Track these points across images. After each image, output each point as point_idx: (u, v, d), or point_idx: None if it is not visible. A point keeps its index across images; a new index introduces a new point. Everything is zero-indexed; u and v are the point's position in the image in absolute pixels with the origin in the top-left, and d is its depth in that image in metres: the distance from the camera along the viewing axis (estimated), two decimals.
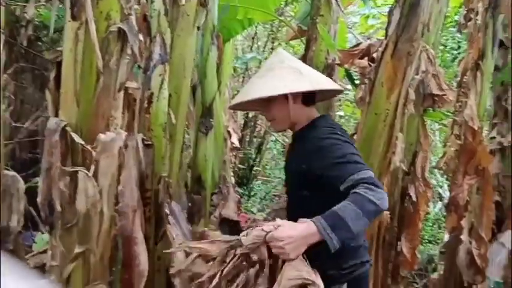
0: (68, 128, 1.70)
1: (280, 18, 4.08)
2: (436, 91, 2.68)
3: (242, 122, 7.50)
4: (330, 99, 3.04)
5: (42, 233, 4.20)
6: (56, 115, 1.79)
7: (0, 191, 2.01)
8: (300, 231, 1.59)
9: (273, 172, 7.90)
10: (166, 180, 2.30)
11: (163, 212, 2.32)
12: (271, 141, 7.99)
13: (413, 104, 2.62)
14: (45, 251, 4.10)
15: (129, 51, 1.76)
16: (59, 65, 1.75)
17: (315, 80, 1.91)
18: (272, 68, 1.92)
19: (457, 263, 2.92)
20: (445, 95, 2.68)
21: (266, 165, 8.41)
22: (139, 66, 1.94)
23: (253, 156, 7.56)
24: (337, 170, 1.68)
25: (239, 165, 7.04)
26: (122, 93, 1.81)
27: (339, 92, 2.21)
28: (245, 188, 7.09)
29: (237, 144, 4.68)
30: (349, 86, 6.27)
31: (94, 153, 1.68)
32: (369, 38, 3.98)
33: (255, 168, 7.57)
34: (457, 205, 2.89)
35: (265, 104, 1.92)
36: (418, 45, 2.48)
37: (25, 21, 2.98)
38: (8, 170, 2.20)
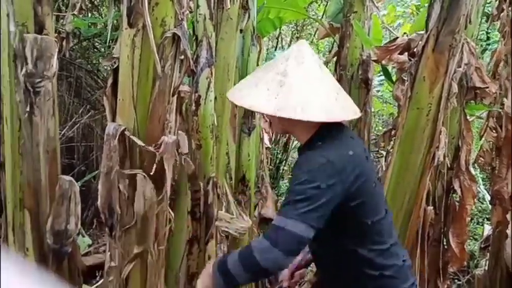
0: (126, 133, 1.75)
1: (311, 17, 4.09)
2: (478, 84, 2.67)
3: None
4: None
5: (83, 236, 4.31)
6: (113, 120, 1.84)
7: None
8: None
9: None
10: (214, 180, 2.34)
11: (212, 212, 2.37)
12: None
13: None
14: (86, 254, 4.22)
15: (181, 56, 1.80)
16: (115, 72, 1.80)
17: (300, 107, 1.61)
18: (274, 69, 1.72)
19: (504, 258, 2.89)
20: (487, 87, 2.66)
21: (291, 164, 8.41)
22: (192, 71, 1.98)
23: (280, 155, 7.56)
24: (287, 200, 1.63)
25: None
26: (175, 97, 1.85)
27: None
28: (272, 187, 7.10)
29: (268, 144, 4.72)
30: (375, 82, 6.25)
31: (157, 155, 1.72)
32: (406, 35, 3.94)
33: (281, 167, 7.58)
34: (502, 198, 2.86)
35: None
36: (460, 37, 2.47)
37: (65, 33, 3.07)
38: None
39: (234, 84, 2.58)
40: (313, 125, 1.70)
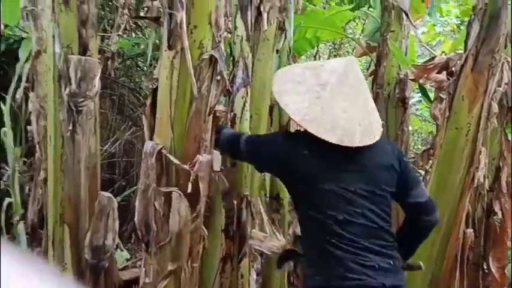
0: (163, 151, 1.80)
1: (348, 35, 4.09)
2: None
3: None
4: None
5: (122, 251, 4.39)
6: (151, 138, 1.89)
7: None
8: None
9: None
10: (248, 199, 2.36)
11: (245, 230, 2.38)
12: None
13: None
14: (124, 268, 4.29)
15: (218, 77, 1.84)
16: (154, 91, 1.86)
17: (323, 127, 1.72)
18: (318, 75, 1.80)
19: None
20: None
21: None
22: (228, 91, 2.02)
23: None
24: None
25: None
26: (211, 116, 1.89)
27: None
28: None
29: None
30: (413, 100, 6.15)
31: (192, 173, 1.76)
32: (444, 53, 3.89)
33: None
34: None
35: None
36: (500, 57, 2.42)
37: (110, 53, 3.21)
38: None
39: (271, 101, 2.60)
40: None
